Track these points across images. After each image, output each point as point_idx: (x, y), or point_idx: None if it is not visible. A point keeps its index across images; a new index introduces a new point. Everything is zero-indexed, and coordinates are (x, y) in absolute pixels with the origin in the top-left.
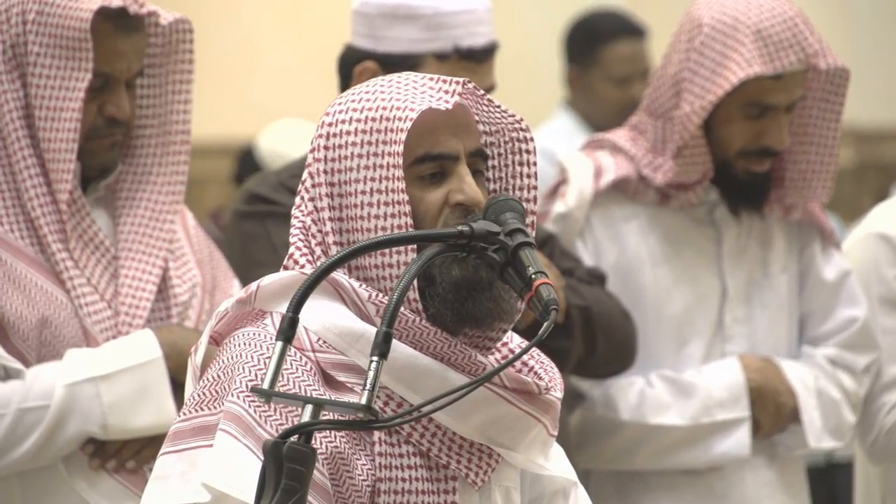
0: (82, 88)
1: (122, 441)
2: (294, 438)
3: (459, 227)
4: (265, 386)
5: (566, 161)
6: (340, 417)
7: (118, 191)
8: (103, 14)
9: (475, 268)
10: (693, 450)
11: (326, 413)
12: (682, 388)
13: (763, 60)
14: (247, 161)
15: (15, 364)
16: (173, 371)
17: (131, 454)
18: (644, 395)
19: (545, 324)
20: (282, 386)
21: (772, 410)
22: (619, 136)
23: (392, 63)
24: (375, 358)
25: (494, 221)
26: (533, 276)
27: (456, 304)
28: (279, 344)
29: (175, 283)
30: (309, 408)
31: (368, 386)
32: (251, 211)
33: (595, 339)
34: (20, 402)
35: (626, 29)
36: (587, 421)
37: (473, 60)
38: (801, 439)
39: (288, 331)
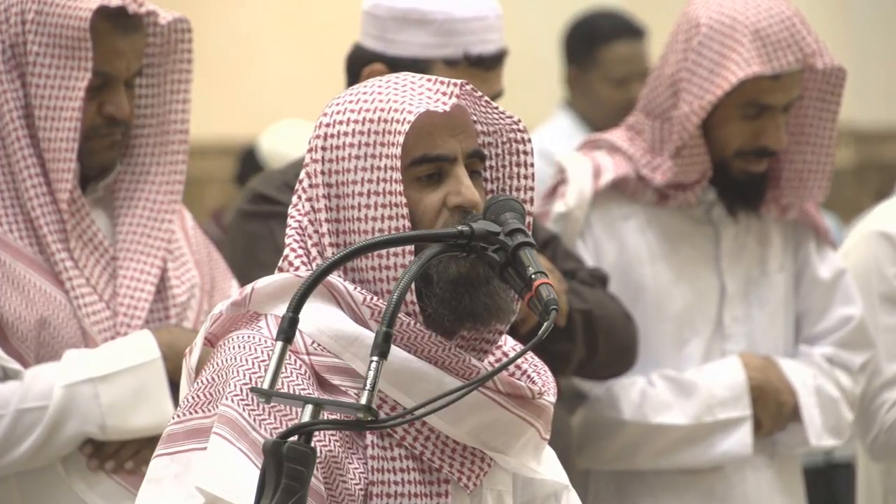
0: (82, 88)
1: (121, 441)
2: (294, 438)
3: (459, 227)
4: (265, 386)
5: (565, 161)
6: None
7: (116, 191)
8: (102, 13)
9: (472, 264)
10: (695, 449)
11: (325, 414)
12: (683, 387)
13: (762, 60)
14: (248, 161)
15: (13, 365)
16: (172, 372)
17: (130, 455)
18: (645, 395)
19: (545, 324)
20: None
21: (773, 409)
22: (617, 136)
23: (401, 67)
24: (375, 358)
25: (494, 221)
26: (533, 277)
27: (453, 302)
28: (279, 344)
29: (174, 283)
30: (309, 408)
31: (368, 386)
32: (255, 211)
33: (597, 342)
34: (18, 403)
35: (625, 29)
36: (588, 421)
37: (483, 67)
38: (801, 438)
39: (288, 330)
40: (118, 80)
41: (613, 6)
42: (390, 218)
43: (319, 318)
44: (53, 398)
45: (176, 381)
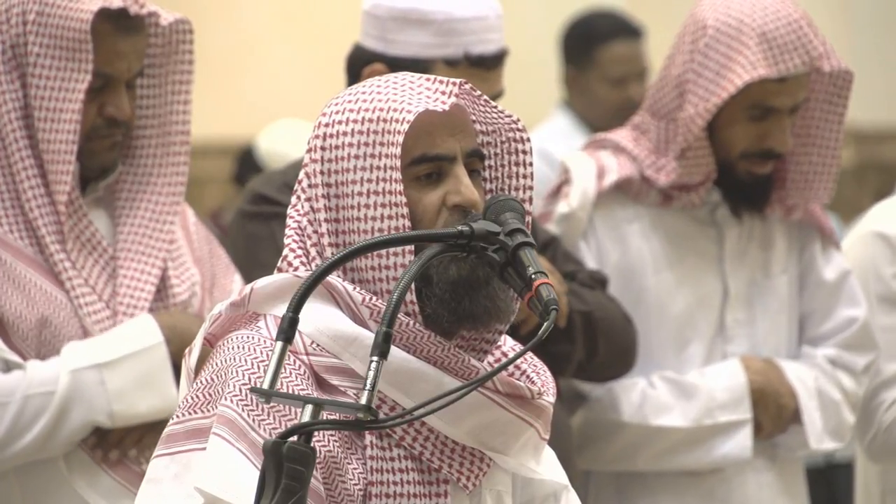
0: (82, 89)
1: (124, 430)
2: (294, 438)
3: (459, 227)
4: (265, 385)
5: (569, 161)
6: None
7: (118, 192)
8: (103, 15)
9: (472, 266)
10: (695, 451)
11: (325, 414)
12: (683, 389)
13: (768, 63)
14: (247, 161)
15: (16, 358)
16: (174, 354)
17: (133, 442)
18: (646, 397)
19: (545, 324)
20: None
21: (773, 412)
22: (622, 136)
23: (401, 67)
24: (375, 358)
25: (494, 221)
26: (533, 277)
27: (453, 304)
28: (279, 344)
29: (174, 283)
30: (309, 408)
31: (368, 386)
32: (256, 212)
33: (596, 343)
34: (25, 390)
35: (622, 29)
36: (588, 422)
37: (483, 67)
38: (801, 440)
39: (288, 330)
40: (119, 82)
41: (612, 6)
42: (390, 218)
43: (318, 318)
44: (60, 384)
45: (179, 363)
